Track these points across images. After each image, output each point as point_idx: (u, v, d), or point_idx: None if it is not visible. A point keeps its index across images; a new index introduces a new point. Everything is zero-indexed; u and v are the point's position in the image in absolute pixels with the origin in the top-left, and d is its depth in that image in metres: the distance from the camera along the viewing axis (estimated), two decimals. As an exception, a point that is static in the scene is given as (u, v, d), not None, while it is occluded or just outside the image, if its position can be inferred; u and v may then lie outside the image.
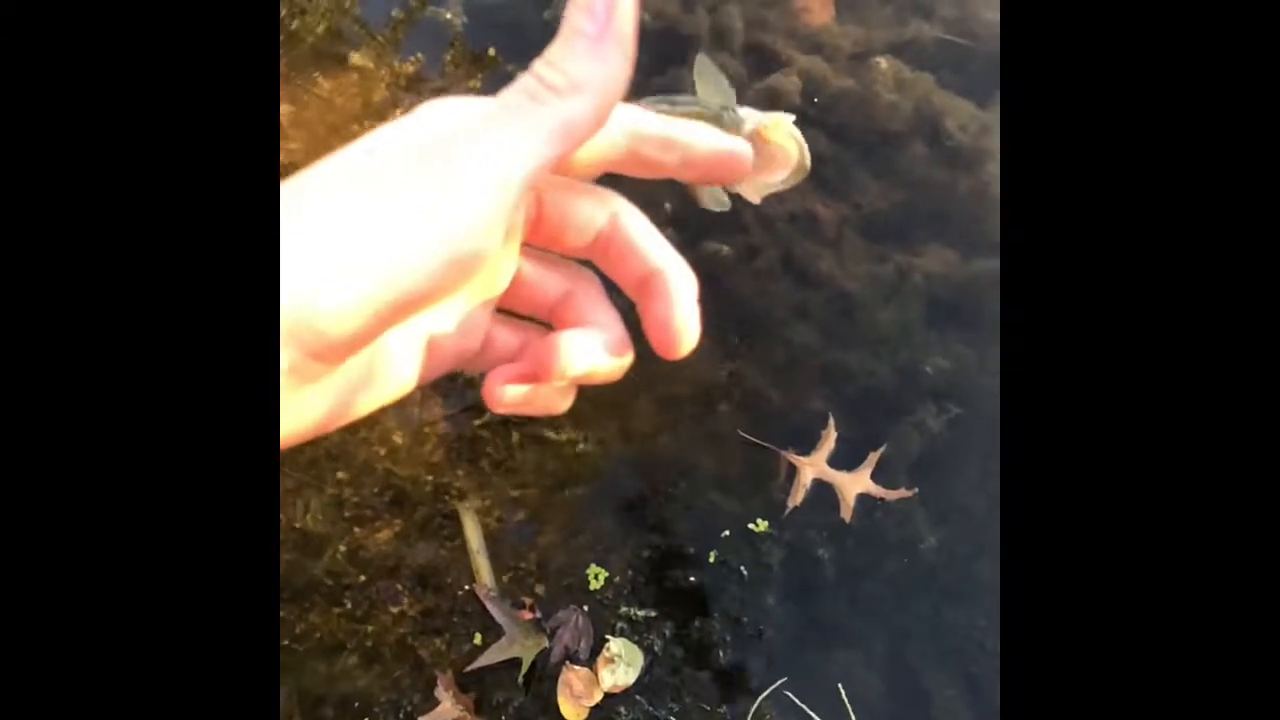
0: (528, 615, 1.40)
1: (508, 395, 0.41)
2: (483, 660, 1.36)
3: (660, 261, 0.41)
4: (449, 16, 1.86)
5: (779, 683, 1.38)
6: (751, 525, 1.47)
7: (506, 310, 0.45)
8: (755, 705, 1.36)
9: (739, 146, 0.42)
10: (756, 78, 1.81)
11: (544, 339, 0.42)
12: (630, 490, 1.50)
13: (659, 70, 1.81)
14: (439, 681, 1.36)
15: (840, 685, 1.37)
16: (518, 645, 1.37)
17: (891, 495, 1.48)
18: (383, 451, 1.51)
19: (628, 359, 0.42)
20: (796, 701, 1.36)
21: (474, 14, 1.87)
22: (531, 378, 0.42)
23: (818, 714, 1.35)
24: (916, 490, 1.48)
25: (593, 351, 0.41)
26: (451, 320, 0.42)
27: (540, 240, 0.43)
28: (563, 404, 0.43)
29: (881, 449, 1.50)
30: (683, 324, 0.40)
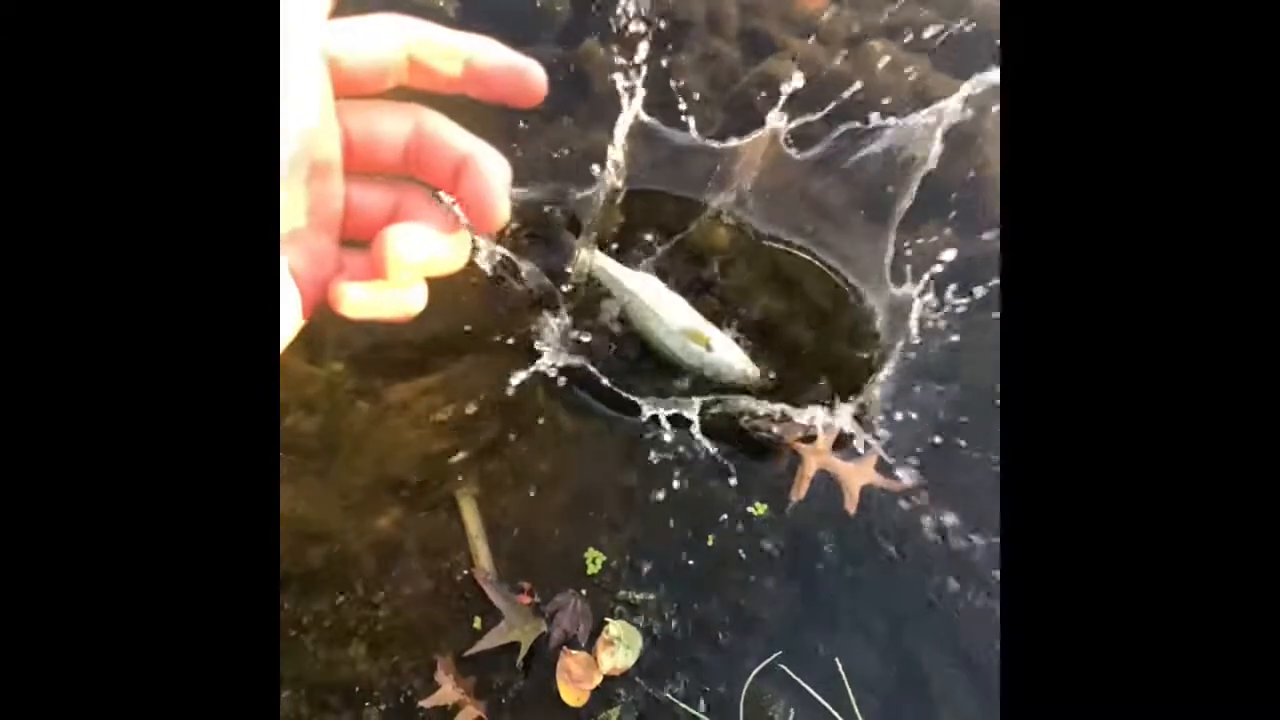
0: (526, 600, 1.40)
1: (349, 294, 0.44)
2: (481, 645, 1.37)
3: (469, 147, 0.44)
4: (441, 4, 1.85)
5: (774, 656, 1.38)
6: (751, 509, 1.47)
7: (352, 241, 0.47)
8: (749, 680, 1.37)
9: (528, 65, 0.44)
10: (752, 62, 1.81)
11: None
12: (628, 475, 1.50)
13: (655, 56, 1.81)
14: (439, 665, 1.36)
15: (837, 659, 1.38)
16: (516, 630, 1.38)
17: (896, 486, 1.47)
18: (386, 439, 1.52)
19: (463, 241, 0.45)
20: (794, 677, 1.36)
21: (467, 1, 1.87)
22: (372, 275, 0.44)
23: (817, 694, 1.35)
24: (922, 481, 1.47)
25: (424, 238, 0.43)
26: (301, 256, 0.44)
27: (358, 164, 0.46)
28: (413, 304, 0.46)
29: (884, 440, 1.50)
30: (495, 196, 0.43)
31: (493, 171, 0.44)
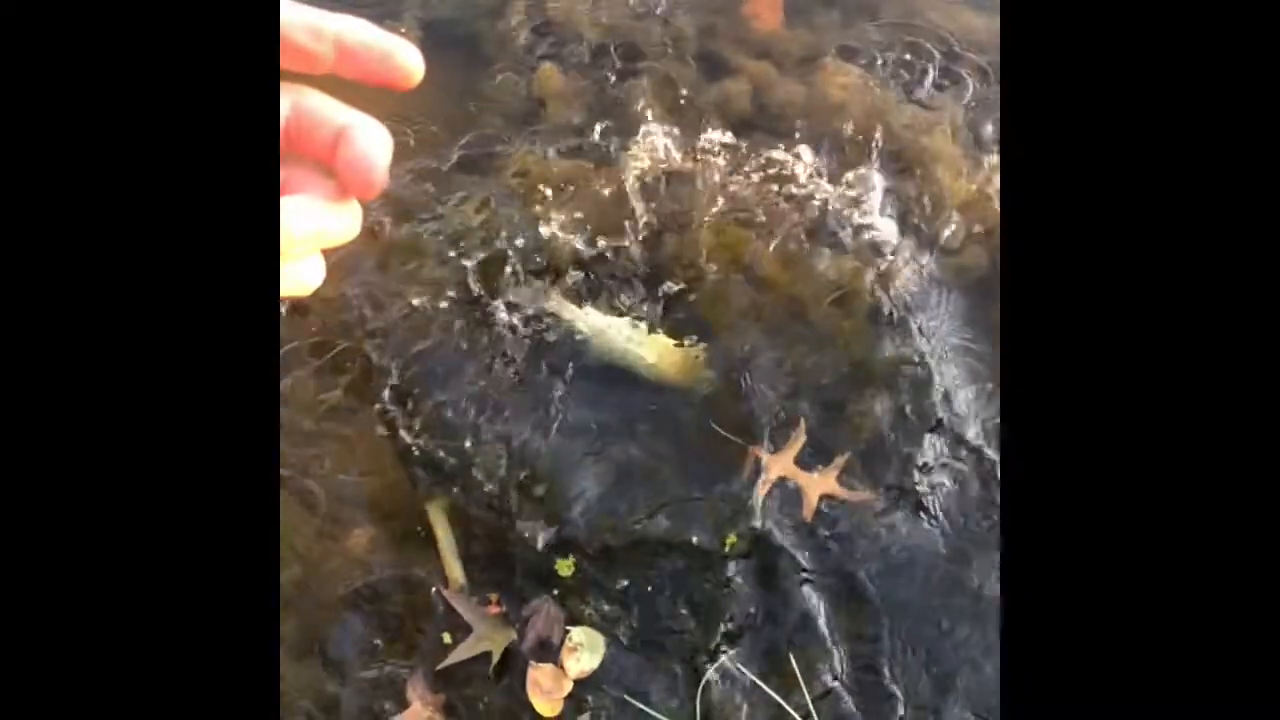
0: (494, 610, 1.42)
1: None
2: (454, 657, 1.37)
3: (346, 119, 0.45)
4: (404, 31, 1.88)
5: (729, 654, 1.40)
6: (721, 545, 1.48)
7: None
8: (704, 678, 1.38)
9: (399, 44, 0.44)
10: (708, 84, 1.85)
11: None
12: (600, 483, 1.52)
13: (615, 84, 1.85)
14: (410, 682, 1.37)
15: (791, 655, 1.40)
16: (486, 640, 1.39)
17: (854, 498, 1.49)
18: (353, 455, 1.53)
19: (352, 211, 0.45)
20: (747, 673, 1.38)
21: (428, 28, 1.90)
22: None
23: (779, 689, 1.37)
24: (880, 494, 1.50)
25: (312, 210, 0.44)
26: None
27: None
28: (309, 280, 0.46)
29: (848, 454, 1.52)
30: (371, 164, 0.43)
31: (370, 140, 0.44)
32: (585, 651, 1.38)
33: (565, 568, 1.45)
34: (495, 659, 1.38)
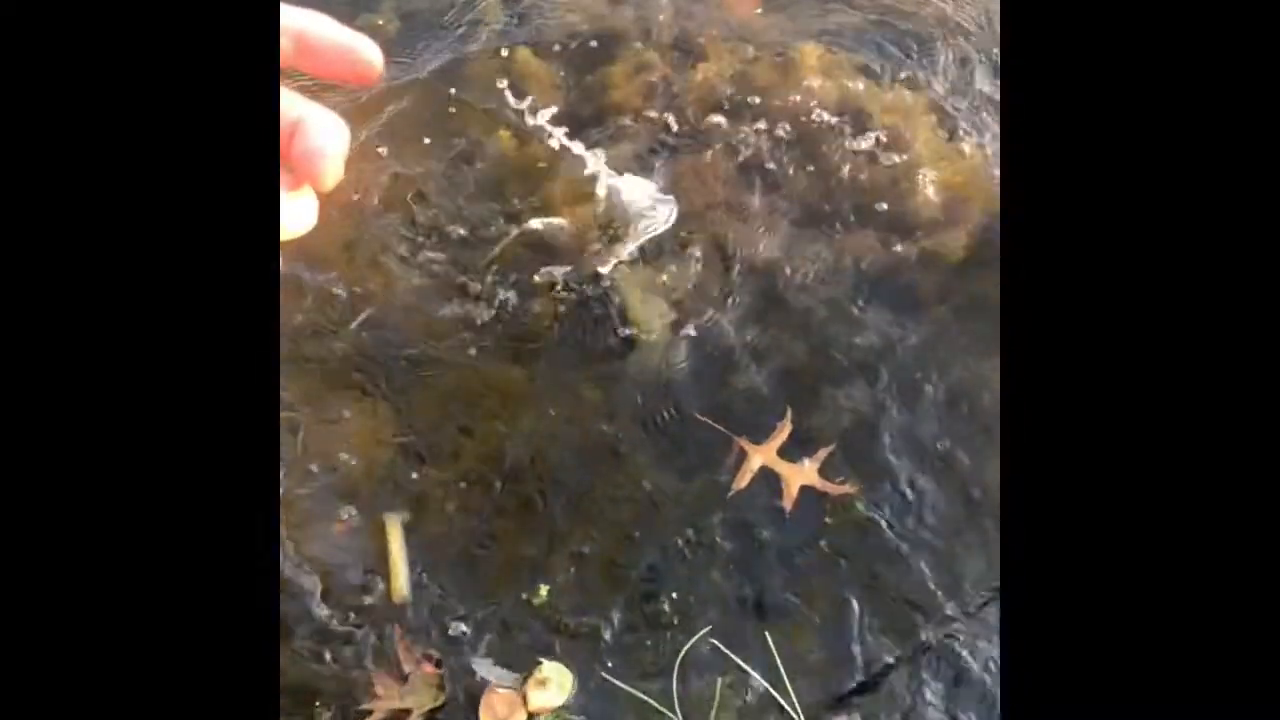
0: (428, 669, 1.38)
1: None
2: (377, 705, 1.36)
3: (302, 112, 0.44)
4: (381, 22, 1.88)
5: (704, 631, 1.40)
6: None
7: None
8: (680, 656, 1.39)
9: (361, 41, 0.44)
10: (683, 70, 1.84)
11: None
12: (575, 480, 1.53)
13: (588, 69, 1.85)
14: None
15: (767, 634, 1.40)
16: (411, 696, 1.36)
17: (835, 490, 1.49)
18: (333, 451, 1.55)
19: (308, 203, 0.46)
20: (727, 653, 1.39)
21: (406, 18, 1.90)
22: None
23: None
24: (860, 486, 1.50)
25: None
26: None
27: None
28: None
29: (831, 446, 1.52)
30: (323, 157, 0.43)
31: (324, 133, 0.44)
32: (554, 686, 1.36)
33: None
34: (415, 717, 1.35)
